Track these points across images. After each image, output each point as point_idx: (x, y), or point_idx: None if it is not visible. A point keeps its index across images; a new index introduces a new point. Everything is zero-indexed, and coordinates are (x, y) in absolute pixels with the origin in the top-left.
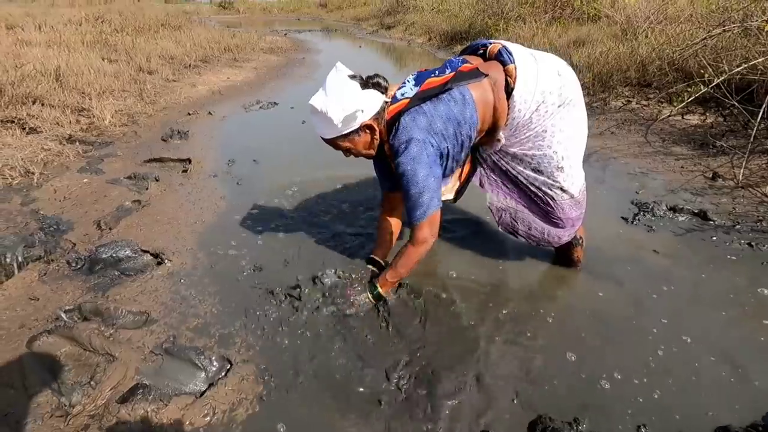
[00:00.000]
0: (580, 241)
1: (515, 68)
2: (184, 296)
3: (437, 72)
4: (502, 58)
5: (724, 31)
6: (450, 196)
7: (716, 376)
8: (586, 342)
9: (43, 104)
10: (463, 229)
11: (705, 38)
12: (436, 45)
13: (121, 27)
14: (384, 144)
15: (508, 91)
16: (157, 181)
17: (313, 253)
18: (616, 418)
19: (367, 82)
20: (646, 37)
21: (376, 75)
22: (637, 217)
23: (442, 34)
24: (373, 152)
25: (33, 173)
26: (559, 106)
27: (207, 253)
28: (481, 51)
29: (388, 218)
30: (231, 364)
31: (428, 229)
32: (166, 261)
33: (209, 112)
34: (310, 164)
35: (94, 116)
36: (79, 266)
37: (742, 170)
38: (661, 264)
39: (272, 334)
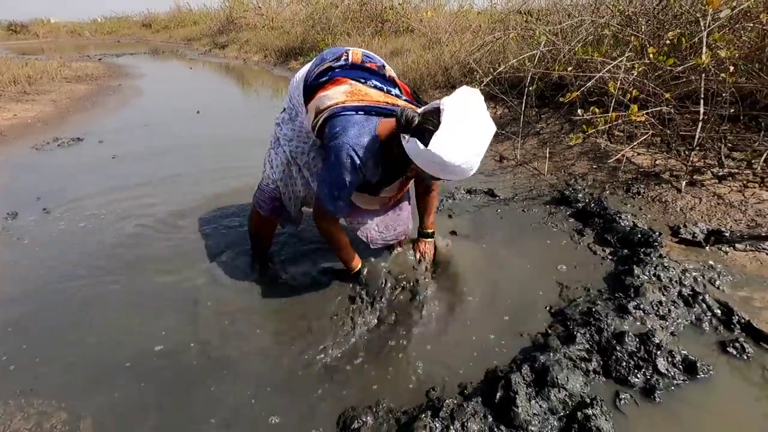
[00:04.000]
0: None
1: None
2: None
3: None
4: (377, 62)
5: (495, 39)
6: None
7: (492, 327)
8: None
9: None
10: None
11: (482, 45)
12: (272, 62)
13: None
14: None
15: None
16: None
17: (106, 316)
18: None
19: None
20: (446, 45)
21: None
22: (442, 203)
23: (276, 50)
24: None
25: None
26: None
27: None
28: (345, 57)
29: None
30: None
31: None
32: None
33: None
34: (115, 207)
35: None
36: None
37: (518, 151)
38: (454, 239)
39: None
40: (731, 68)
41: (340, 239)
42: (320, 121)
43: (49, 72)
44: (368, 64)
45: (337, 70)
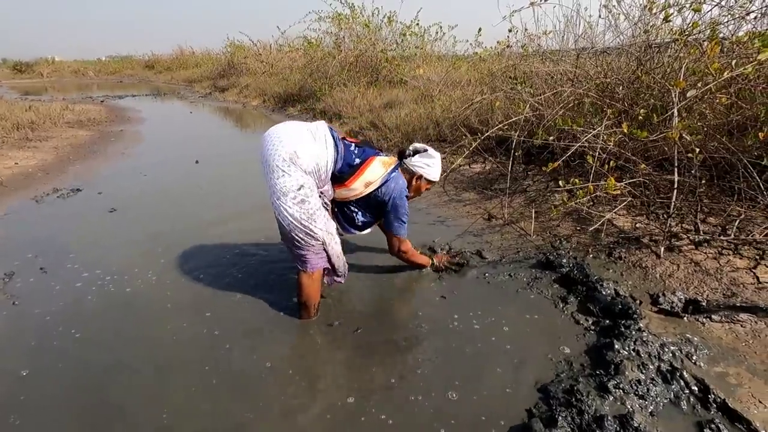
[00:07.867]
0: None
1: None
2: None
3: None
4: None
5: (482, 99)
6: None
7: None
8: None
9: None
10: None
11: (470, 105)
12: (271, 107)
13: None
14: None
15: None
16: None
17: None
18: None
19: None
20: (438, 100)
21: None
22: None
23: (275, 96)
24: None
25: None
26: None
27: None
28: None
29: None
30: None
31: None
32: None
33: None
34: (115, 267)
35: None
36: None
37: (506, 210)
38: (443, 304)
39: None
40: (697, 149)
41: (416, 253)
42: (373, 189)
43: (52, 117)
44: (350, 140)
45: (355, 151)
